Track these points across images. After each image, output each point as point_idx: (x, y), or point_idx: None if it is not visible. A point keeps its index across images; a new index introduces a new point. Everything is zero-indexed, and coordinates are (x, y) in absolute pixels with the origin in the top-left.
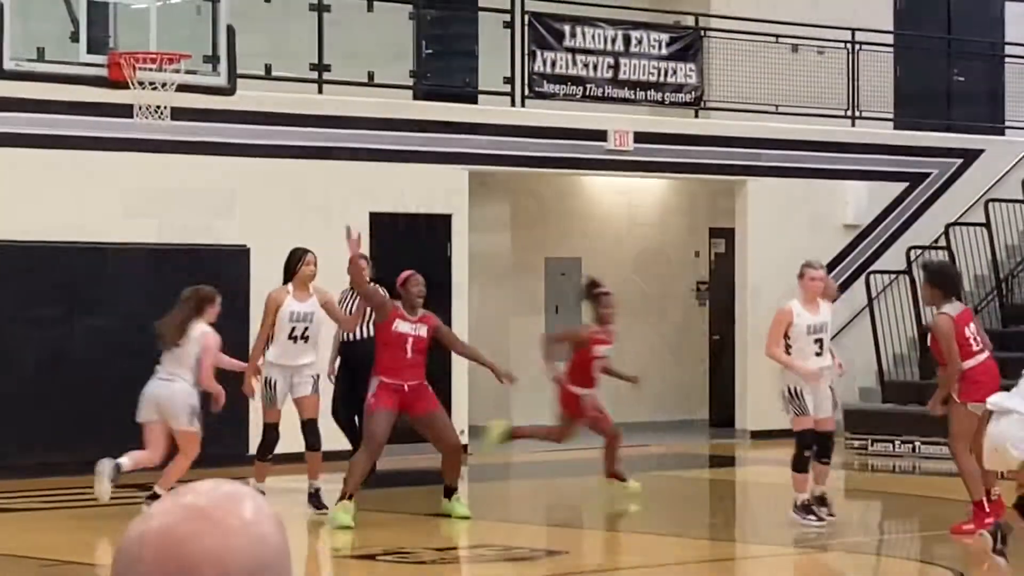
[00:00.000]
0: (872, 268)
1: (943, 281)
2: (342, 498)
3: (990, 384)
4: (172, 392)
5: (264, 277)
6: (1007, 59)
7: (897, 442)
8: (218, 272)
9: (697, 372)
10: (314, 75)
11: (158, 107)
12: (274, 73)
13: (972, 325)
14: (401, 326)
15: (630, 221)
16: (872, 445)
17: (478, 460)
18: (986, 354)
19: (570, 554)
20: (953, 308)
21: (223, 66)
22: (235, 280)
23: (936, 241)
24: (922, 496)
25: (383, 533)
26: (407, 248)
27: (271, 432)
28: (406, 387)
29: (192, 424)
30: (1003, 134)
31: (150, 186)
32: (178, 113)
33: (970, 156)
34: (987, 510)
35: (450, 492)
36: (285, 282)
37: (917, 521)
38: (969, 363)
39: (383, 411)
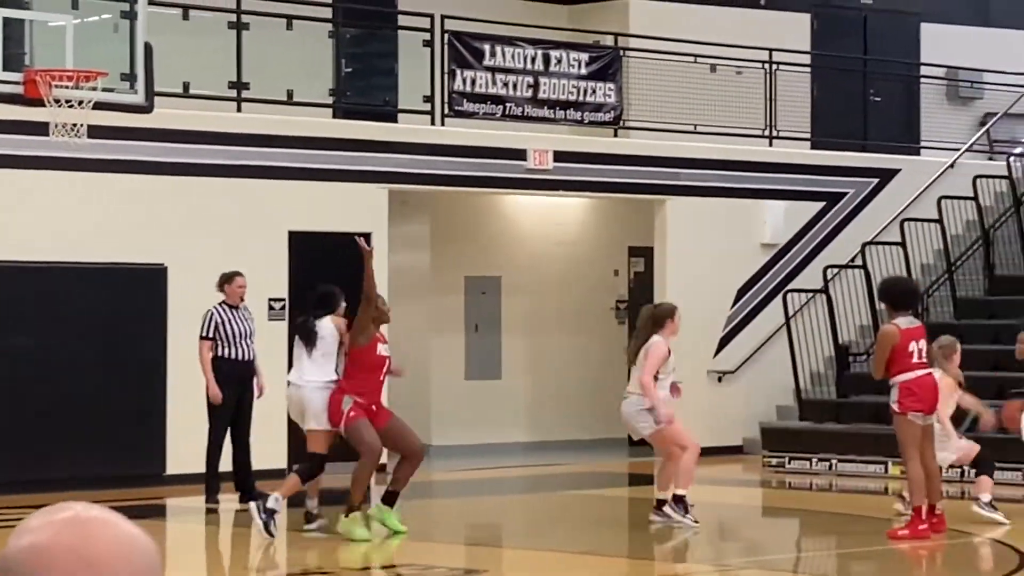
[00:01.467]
0: (789, 287)
1: (888, 295)
2: (351, 510)
3: (927, 398)
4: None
5: (181, 296)
6: (923, 80)
7: (814, 459)
8: (135, 291)
9: (616, 391)
10: (233, 93)
11: (74, 125)
12: (192, 91)
13: (922, 341)
14: (382, 349)
15: (549, 240)
16: (789, 463)
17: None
18: (927, 371)
19: (489, 573)
20: (904, 321)
21: (140, 84)
22: (152, 299)
23: (852, 260)
24: (839, 513)
25: (304, 552)
26: (326, 266)
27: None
28: (374, 406)
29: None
30: (918, 154)
31: (66, 204)
32: (95, 131)
33: (886, 176)
34: (923, 519)
35: (392, 499)
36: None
37: (834, 538)
38: (907, 376)
39: (365, 419)
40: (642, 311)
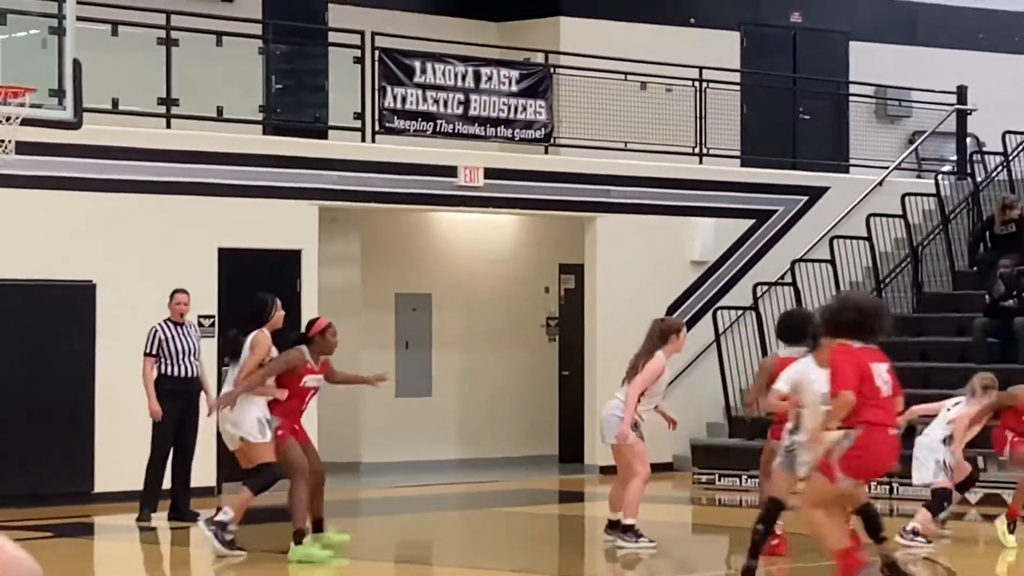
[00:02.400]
0: (719, 304)
1: (781, 330)
2: (302, 535)
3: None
4: None
5: (111, 313)
6: (851, 98)
7: (744, 476)
8: (64, 308)
9: (547, 408)
10: (162, 109)
11: (2, 141)
12: (121, 107)
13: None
14: (309, 381)
15: (480, 257)
16: (719, 480)
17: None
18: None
19: None
20: (784, 351)
21: (69, 100)
22: (80, 316)
23: (782, 277)
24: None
25: (231, 571)
26: (256, 283)
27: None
28: (297, 427)
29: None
30: (847, 172)
31: None
32: (23, 147)
33: (815, 193)
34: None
35: (320, 526)
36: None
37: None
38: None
39: (292, 439)
40: (651, 324)
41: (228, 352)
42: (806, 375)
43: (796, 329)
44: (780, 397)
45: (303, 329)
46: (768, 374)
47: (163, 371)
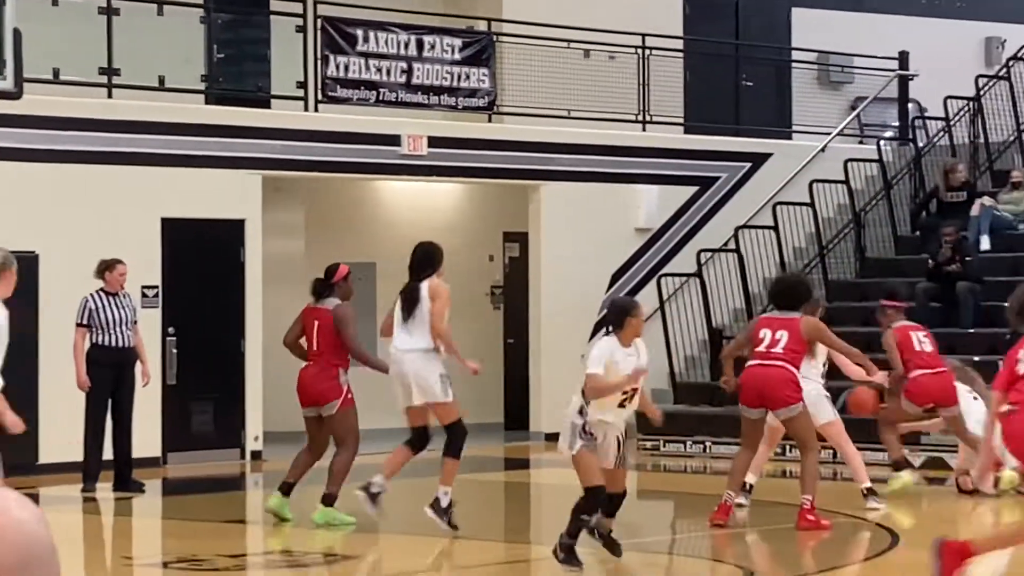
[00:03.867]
0: (663, 271)
1: (774, 294)
2: (333, 500)
3: (749, 388)
4: None
5: (53, 284)
6: (794, 64)
7: (689, 442)
8: None
9: (492, 376)
10: (103, 79)
11: None
12: (62, 77)
13: (780, 332)
14: None
15: (425, 225)
16: (664, 446)
17: (271, 466)
18: (757, 361)
19: (364, 558)
20: (767, 314)
21: (9, 70)
22: (24, 286)
23: (726, 244)
24: (714, 495)
25: (176, 541)
26: (200, 253)
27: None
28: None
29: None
30: (790, 138)
31: None
32: None
33: (758, 160)
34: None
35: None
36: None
37: (709, 520)
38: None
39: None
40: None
41: (405, 300)
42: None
43: (789, 294)
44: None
45: (324, 276)
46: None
47: (95, 341)
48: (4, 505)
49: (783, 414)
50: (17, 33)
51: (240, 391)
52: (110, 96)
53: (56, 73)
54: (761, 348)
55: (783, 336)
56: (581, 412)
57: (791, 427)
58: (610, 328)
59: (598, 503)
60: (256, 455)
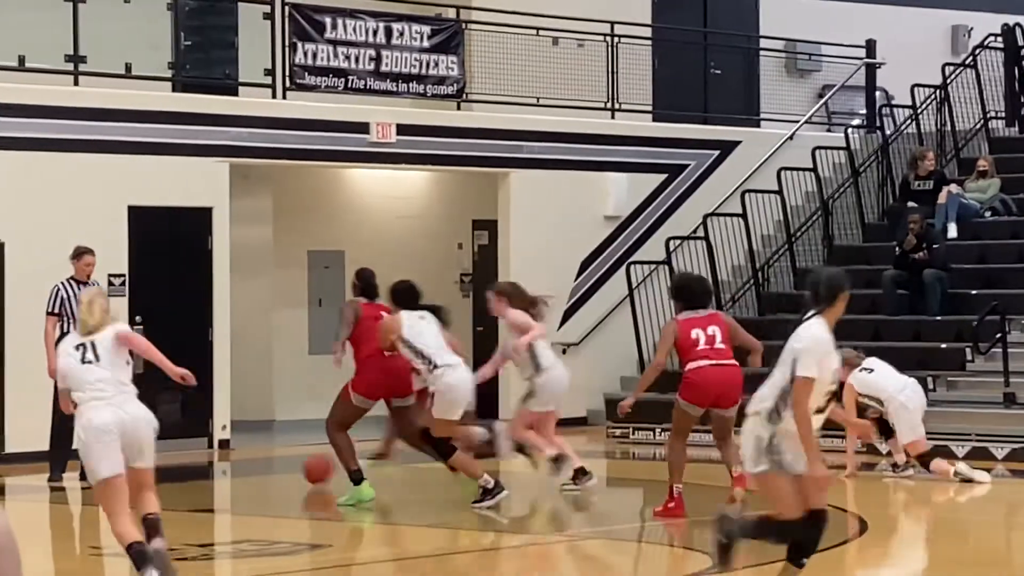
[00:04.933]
0: (632, 259)
1: (678, 293)
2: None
3: (705, 389)
4: None
5: (19, 272)
6: (761, 52)
7: (658, 430)
8: None
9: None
10: (70, 67)
11: None
12: (28, 64)
13: (709, 329)
14: None
15: (393, 213)
16: (633, 433)
17: (239, 455)
18: (712, 361)
19: (333, 547)
20: (687, 315)
21: None
22: None
23: (694, 232)
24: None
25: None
26: (167, 242)
27: None
28: None
29: None
30: (759, 126)
31: None
32: None
33: (727, 147)
34: (674, 496)
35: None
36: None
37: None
38: (691, 366)
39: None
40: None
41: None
42: None
43: (705, 292)
44: None
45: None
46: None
47: (66, 330)
48: None
49: (733, 411)
50: None
51: (208, 380)
52: (76, 83)
53: (22, 60)
54: (702, 348)
55: (716, 333)
56: (770, 419)
57: (729, 422)
58: (816, 309)
59: (802, 533)
60: (224, 444)
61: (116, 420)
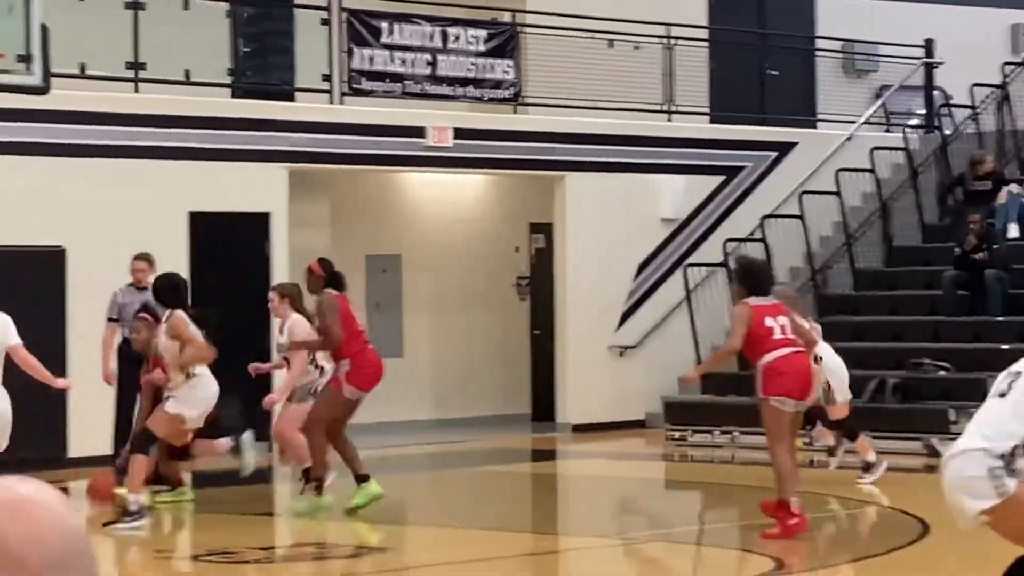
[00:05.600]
0: (689, 261)
1: (744, 277)
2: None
3: (794, 378)
4: None
5: (80, 278)
6: (819, 53)
7: (716, 432)
8: (33, 274)
9: (519, 367)
10: (130, 74)
11: None
12: (89, 72)
13: (780, 318)
14: None
15: (450, 217)
16: (692, 436)
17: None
18: (791, 348)
19: (394, 551)
20: (756, 300)
21: (37, 65)
22: (50, 282)
23: (752, 234)
24: (741, 485)
25: (206, 534)
26: (227, 247)
27: None
28: None
29: None
30: (816, 127)
31: None
32: None
33: (784, 149)
34: (792, 511)
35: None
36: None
37: (737, 510)
38: (771, 356)
39: None
40: None
41: None
42: None
43: (769, 279)
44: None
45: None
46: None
47: (125, 335)
48: (45, 500)
49: (806, 407)
50: (44, 29)
51: (268, 384)
52: (137, 90)
53: (83, 68)
54: (779, 336)
55: (786, 323)
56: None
57: (800, 419)
58: None
59: None
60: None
61: None
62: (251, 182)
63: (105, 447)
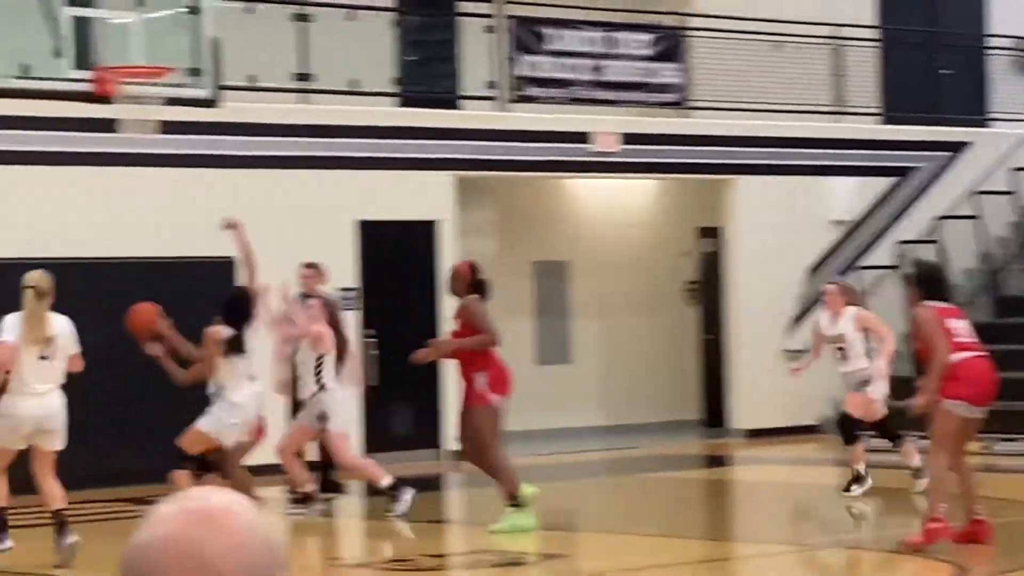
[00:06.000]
0: (861, 263)
1: (922, 281)
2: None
3: (980, 383)
4: None
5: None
6: (991, 51)
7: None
8: (205, 284)
9: (688, 372)
10: (298, 85)
11: (144, 121)
12: (258, 84)
13: (960, 321)
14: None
15: (617, 222)
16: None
17: (470, 466)
18: (973, 352)
19: (568, 557)
20: (935, 304)
21: (207, 78)
22: (223, 291)
23: (925, 235)
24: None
25: (379, 541)
26: (395, 255)
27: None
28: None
29: None
30: (989, 126)
31: (137, 200)
32: (164, 126)
33: (957, 149)
34: (935, 516)
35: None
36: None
37: (911, 517)
38: (953, 358)
39: None
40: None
41: None
42: None
43: (946, 283)
44: None
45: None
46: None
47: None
48: (239, 510)
49: (985, 413)
50: (214, 42)
51: (438, 392)
52: (304, 101)
53: (252, 80)
54: (961, 339)
55: (965, 326)
56: None
57: (977, 427)
58: None
59: None
60: (455, 455)
61: None
62: (418, 190)
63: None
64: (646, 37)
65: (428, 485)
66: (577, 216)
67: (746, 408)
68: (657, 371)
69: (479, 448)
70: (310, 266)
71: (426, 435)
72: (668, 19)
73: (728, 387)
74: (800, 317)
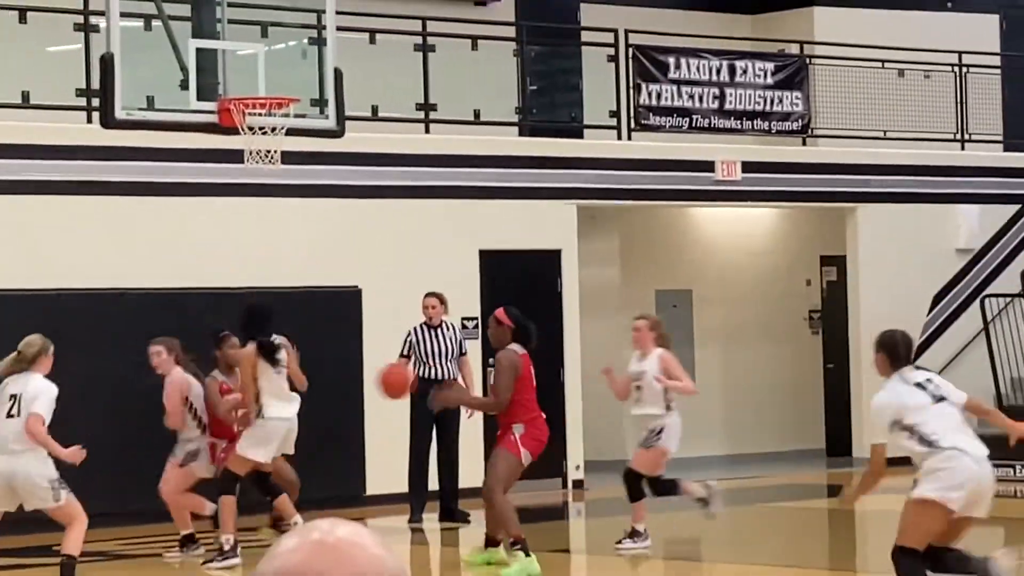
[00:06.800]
0: (986, 292)
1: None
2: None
3: None
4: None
5: (376, 318)
6: None
7: (1018, 467)
8: (331, 313)
9: (812, 401)
10: (420, 115)
11: (268, 152)
12: (381, 114)
13: None
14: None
15: (740, 251)
16: (995, 470)
17: (593, 495)
18: None
19: None
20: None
21: (331, 109)
22: (348, 321)
23: None
24: None
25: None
26: (518, 284)
27: None
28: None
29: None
30: None
31: (263, 231)
32: (288, 157)
33: None
34: None
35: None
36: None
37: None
38: None
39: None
40: None
41: None
42: None
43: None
44: None
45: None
46: None
47: (419, 373)
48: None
49: None
50: (338, 72)
51: (560, 420)
52: (427, 131)
53: (375, 110)
54: None
55: None
56: None
57: None
58: None
59: None
60: (577, 484)
61: None
62: (540, 219)
63: (403, 484)
64: (769, 65)
65: (552, 515)
66: (699, 245)
67: (869, 437)
68: (780, 400)
69: (489, 486)
70: (434, 296)
71: (549, 464)
72: (790, 47)
73: (852, 416)
74: (925, 346)
